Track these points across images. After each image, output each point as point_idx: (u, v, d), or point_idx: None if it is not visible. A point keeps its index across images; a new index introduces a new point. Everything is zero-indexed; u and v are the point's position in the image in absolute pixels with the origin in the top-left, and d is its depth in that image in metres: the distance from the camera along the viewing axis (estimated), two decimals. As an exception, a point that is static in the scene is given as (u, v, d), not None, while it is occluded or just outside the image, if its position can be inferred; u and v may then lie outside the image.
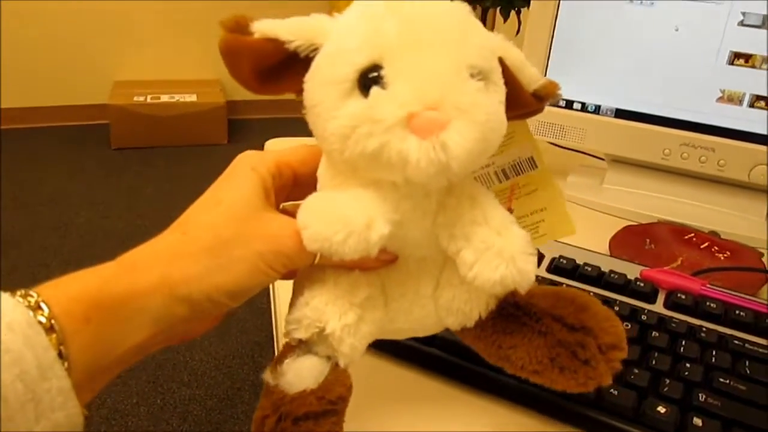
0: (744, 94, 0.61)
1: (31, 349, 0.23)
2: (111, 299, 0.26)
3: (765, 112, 0.60)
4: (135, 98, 2.57)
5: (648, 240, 0.60)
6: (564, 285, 0.47)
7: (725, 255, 0.57)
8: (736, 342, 0.41)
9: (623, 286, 0.47)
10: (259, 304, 1.48)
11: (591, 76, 0.67)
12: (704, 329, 0.42)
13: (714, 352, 0.40)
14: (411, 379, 0.41)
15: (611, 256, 0.54)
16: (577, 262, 0.49)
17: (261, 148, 0.81)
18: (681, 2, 0.61)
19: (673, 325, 0.43)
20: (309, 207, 0.28)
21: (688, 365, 0.39)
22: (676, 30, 0.62)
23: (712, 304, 0.44)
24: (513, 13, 1.78)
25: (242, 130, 2.80)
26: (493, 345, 0.34)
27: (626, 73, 0.65)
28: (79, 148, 2.58)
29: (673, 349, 0.41)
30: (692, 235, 0.60)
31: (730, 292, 0.46)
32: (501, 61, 0.29)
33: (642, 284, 0.46)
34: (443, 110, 0.25)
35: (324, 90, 0.27)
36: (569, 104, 0.69)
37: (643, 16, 0.63)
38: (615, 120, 0.67)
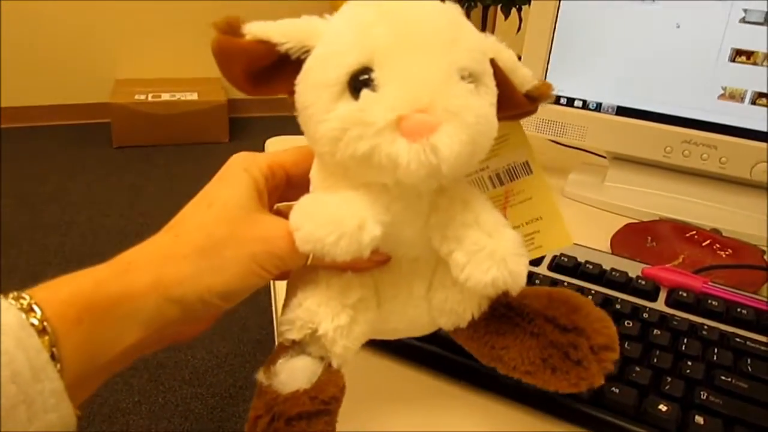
0: (746, 92, 0.60)
1: (23, 351, 0.23)
2: (104, 301, 0.26)
3: (766, 109, 0.60)
4: (136, 97, 2.57)
5: (649, 238, 0.59)
6: (565, 283, 0.47)
7: (727, 253, 0.57)
8: (737, 340, 0.41)
9: (625, 284, 0.46)
10: (260, 303, 1.48)
11: (592, 73, 0.67)
12: (706, 327, 0.42)
13: (715, 350, 0.40)
14: (407, 376, 0.41)
15: (613, 254, 0.54)
16: (579, 260, 0.49)
17: (262, 146, 0.81)
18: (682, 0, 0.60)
19: (675, 322, 0.42)
20: (301, 208, 0.28)
21: (689, 363, 0.39)
22: (678, 27, 0.61)
23: (713, 302, 0.44)
24: (514, 10, 1.78)
25: (244, 129, 2.80)
26: (485, 345, 0.34)
27: (627, 71, 0.65)
28: (80, 147, 2.58)
29: (674, 346, 0.41)
30: (694, 232, 0.60)
31: (731, 289, 0.46)
32: (493, 62, 0.29)
33: (643, 282, 0.46)
34: (433, 113, 0.25)
35: (315, 92, 0.27)
36: (570, 102, 0.69)
37: (644, 13, 0.62)
38: (616, 117, 0.67)
